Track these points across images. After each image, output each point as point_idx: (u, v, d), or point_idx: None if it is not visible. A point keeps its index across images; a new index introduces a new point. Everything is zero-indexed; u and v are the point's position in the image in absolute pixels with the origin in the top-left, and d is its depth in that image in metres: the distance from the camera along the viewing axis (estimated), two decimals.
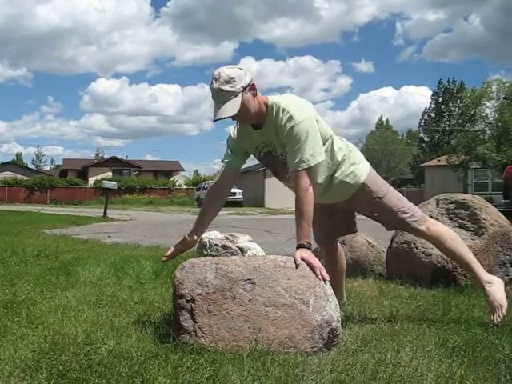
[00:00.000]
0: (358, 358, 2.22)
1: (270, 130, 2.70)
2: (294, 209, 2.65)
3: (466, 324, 2.84)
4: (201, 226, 2.99)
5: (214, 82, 2.55)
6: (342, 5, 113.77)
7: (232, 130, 2.89)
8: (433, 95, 53.70)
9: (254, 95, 2.63)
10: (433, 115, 52.96)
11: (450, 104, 50.53)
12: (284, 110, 2.64)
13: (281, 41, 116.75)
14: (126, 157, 52.34)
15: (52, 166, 72.77)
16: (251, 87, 2.61)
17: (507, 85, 27.35)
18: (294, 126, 2.60)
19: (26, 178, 39.88)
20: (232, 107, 2.54)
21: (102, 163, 47.45)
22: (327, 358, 2.26)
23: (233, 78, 2.54)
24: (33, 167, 62.65)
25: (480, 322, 2.89)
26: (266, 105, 2.69)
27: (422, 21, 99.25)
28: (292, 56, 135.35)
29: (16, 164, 55.61)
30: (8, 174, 41.85)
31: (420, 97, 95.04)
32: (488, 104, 27.99)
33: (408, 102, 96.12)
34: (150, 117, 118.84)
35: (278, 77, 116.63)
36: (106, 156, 57.26)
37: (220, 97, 2.54)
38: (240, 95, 2.55)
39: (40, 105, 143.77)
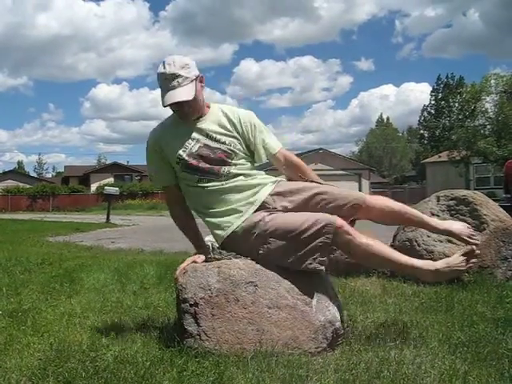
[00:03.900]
0: (361, 357, 2.24)
1: (213, 119, 2.64)
2: None
3: (470, 320, 2.85)
4: (197, 237, 2.77)
5: (167, 66, 2.49)
6: (341, 3, 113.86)
7: (153, 146, 2.67)
8: (432, 91, 53.64)
9: (202, 88, 2.63)
10: (432, 112, 52.86)
11: (450, 100, 50.36)
12: (232, 107, 2.76)
13: (280, 41, 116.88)
14: (128, 162, 52.47)
15: (54, 174, 72.83)
16: (201, 79, 2.60)
17: (505, 79, 27.29)
18: (252, 115, 2.74)
19: (28, 186, 39.86)
20: (188, 92, 2.49)
21: (103, 169, 47.35)
22: (331, 357, 2.27)
23: (187, 64, 2.51)
24: (35, 175, 62.68)
25: (483, 318, 2.90)
26: (208, 106, 2.70)
27: (421, 17, 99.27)
28: (292, 56, 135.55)
29: (18, 172, 55.62)
30: (10, 183, 41.84)
31: (420, 93, 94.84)
32: (488, 99, 27.94)
33: (408, 98, 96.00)
34: (151, 121, 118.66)
35: (279, 77, 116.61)
36: (108, 162, 57.25)
37: (174, 81, 2.46)
38: (194, 83, 2.52)
39: (41, 112, 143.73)
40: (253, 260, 2.51)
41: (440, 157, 34.88)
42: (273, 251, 2.45)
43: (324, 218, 2.42)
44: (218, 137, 2.61)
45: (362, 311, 3.11)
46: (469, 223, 4.17)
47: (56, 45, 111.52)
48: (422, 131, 55.79)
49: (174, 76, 2.46)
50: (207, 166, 2.56)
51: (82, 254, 6.86)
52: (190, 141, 2.59)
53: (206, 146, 2.58)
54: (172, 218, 2.78)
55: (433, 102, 52.98)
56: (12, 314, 3.13)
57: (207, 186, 2.56)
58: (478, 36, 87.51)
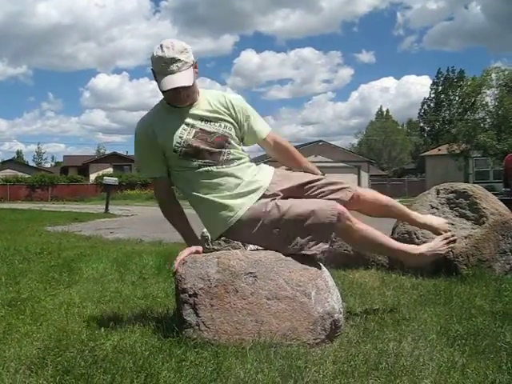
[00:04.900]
0: (360, 349, 2.24)
1: (205, 104, 2.59)
2: None
3: (468, 313, 2.85)
4: (189, 229, 2.72)
5: (165, 50, 2.42)
6: None
7: (144, 134, 2.59)
8: (432, 85, 53.56)
9: (197, 74, 2.56)
10: (432, 105, 52.82)
11: (450, 93, 50.34)
12: (221, 92, 2.72)
13: (281, 33, 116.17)
14: (127, 152, 52.34)
15: (53, 163, 72.68)
16: (196, 65, 2.54)
17: (506, 72, 27.23)
18: (242, 99, 2.72)
19: (26, 176, 39.84)
20: (187, 78, 2.43)
21: (102, 159, 47.32)
22: (330, 349, 2.27)
23: (186, 48, 2.46)
24: (34, 165, 62.64)
25: (481, 311, 2.91)
26: (198, 93, 2.62)
27: (423, 10, 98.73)
28: (293, 48, 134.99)
29: (17, 162, 55.58)
30: (9, 172, 41.86)
31: (421, 86, 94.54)
32: (488, 92, 27.90)
33: (409, 91, 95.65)
34: None
35: (279, 69, 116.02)
36: (107, 152, 57.08)
37: (173, 66, 2.40)
38: (192, 68, 2.48)
39: (40, 102, 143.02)
40: (256, 245, 2.56)
41: (440, 150, 34.91)
42: (279, 237, 2.49)
43: (327, 204, 2.52)
44: (213, 121, 2.57)
45: (360, 303, 3.12)
46: (468, 216, 4.21)
47: (56, 34, 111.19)
48: (421, 124, 55.78)
49: (174, 60, 2.41)
50: (206, 149, 2.51)
51: (81, 244, 6.87)
52: (184, 126, 2.53)
53: (202, 130, 2.53)
54: (162, 211, 2.71)
55: (433, 95, 52.93)
56: (11, 303, 3.13)
57: (207, 171, 2.52)
58: (479, 29, 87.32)
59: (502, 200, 4.52)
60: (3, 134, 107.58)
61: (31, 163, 65.82)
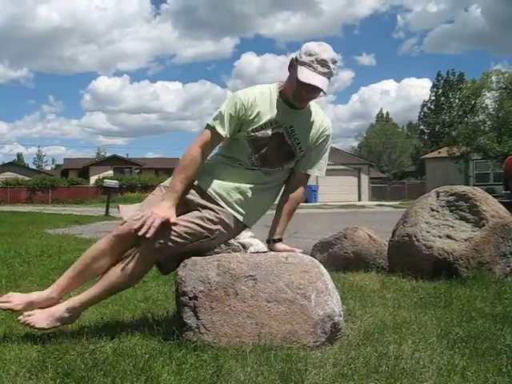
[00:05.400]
0: (360, 352, 2.24)
1: (302, 119, 2.62)
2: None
3: (468, 316, 2.86)
4: (183, 189, 2.57)
5: (323, 50, 2.45)
6: None
7: (251, 94, 2.59)
8: (432, 87, 53.62)
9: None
10: (432, 107, 52.86)
11: (450, 95, 50.42)
12: (324, 115, 2.70)
13: (282, 35, 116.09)
14: (127, 155, 52.47)
15: (53, 166, 72.72)
16: None
17: (506, 75, 27.27)
18: (330, 135, 2.69)
19: (27, 179, 39.82)
20: (326, 85, 2.46)
21: (102, 162, 47.31)
22: (330, 352, 2.27)
23: (337, 62, 2.50)
24: (34, 167, 62.70)
25: (482, 314, 2.91)
26: None
27: (423, 12, 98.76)
28: (293, 50, 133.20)
29: (17, 164, 55.60)
30: (9, 175, 41.82)
31: (421, 89, 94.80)
32: (488, 95, 27.94)
33: (409, 94, 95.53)
34: (151, 114, 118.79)
35: (280, 72, 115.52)
36: (108, 155, 57.17)
37: (322, 68, 2.43)
38: (329, 80, 2.50)
39: (41, 104, 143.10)
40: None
41: (440, 152, 34.92)
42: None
43: None
44: (297, 138, 2.60)
45: (360, 306, 3.12)
46: (468, 219, 4.21)
47: (57, 37, 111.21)
48: (421, 127, 55.80)
49: (324, 63, 2.43)
50: (266, 156, 2.57)
51: (81, 247, 6.85)
52: (272, 122, 2.56)
53: (281, 135, 2.57)
54: (187, 158, 2.55)
55: (433, 98, 52.97)
56: None
57: (253, 170, 2.59)
58: (479, 32, 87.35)
59: (502, 202, 4.52)
60: (4, 137, 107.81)
61: (32, 166, 65.90)
